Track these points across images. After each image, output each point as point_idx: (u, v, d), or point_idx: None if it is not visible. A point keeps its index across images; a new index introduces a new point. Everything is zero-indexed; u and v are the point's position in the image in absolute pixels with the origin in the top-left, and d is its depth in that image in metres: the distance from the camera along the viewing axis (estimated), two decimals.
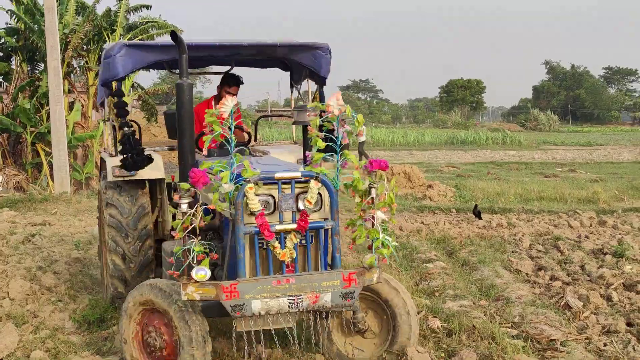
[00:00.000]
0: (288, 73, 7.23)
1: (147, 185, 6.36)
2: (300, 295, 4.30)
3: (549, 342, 5.59)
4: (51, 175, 17.31)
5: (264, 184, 4.36)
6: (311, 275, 4.37)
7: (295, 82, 7.16)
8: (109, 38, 18.83)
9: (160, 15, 21.61)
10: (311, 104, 4.70)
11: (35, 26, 18.84)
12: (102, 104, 6.71)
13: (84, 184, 17.83)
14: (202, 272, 4.17)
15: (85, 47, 19.28)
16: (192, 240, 4.19)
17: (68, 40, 18.45)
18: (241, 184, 4.24)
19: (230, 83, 6.70)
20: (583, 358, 5.24)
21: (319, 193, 4.49)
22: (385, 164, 4.52)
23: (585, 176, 20.19)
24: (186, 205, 4.21)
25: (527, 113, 73.41)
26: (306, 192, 4.46)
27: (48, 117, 17.70)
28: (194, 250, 4.17)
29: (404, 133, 47.59)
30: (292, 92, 7.31)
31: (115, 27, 19.21)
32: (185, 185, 4.23)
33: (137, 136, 6.09)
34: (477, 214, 11.79)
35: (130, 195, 6.04)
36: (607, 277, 7.42)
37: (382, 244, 4.56)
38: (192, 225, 4.17)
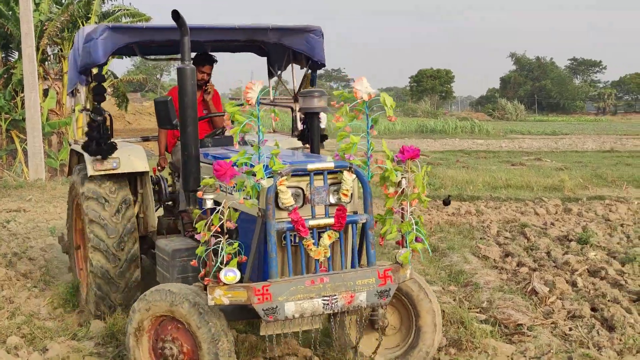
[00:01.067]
0: (259, 60, 7.03)
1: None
2: (335, 295, 3.99)
3: (516, 327, 5.72)
4: (26, 162, 17.18)
5: (292, 175, 4.04)
6: (346, 274, 4.05)
7: (274, 67, 6.89)
8: (83, 25, 18.62)
9: (130, 2, 21.39)
10: (337, 92, 4.26)
11: (10, 13, 18.55)
12: (73, 93, 6.39)
13: (58, 170, 17.66)
14: (231, 274, 3.82)
15: (59, 34, 19.06)
16: (219, 240, 3.83)
17: (44, 28, 18.25)
18: (270, 177, 3.94)
19: (203, 62, 6.34)
20: (549, 342, 5.37)
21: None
22: (417, 152, 4.23)
23: (550, 165, 20.48)
24: (211, 202, 3.87)
25: (495, 103, 73.92)
26: (336, 184, 4.17)
27: (23, 104, 17.56)
28: (223, 251, 3.81)
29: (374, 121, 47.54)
30: (269, 78, 7.10)
31: (90, 15, 19.01)
32: (209, 181, 3.90)
33: (107, 125, 5.73)
34: (446, 202, 11.89)
35: (111, 190, 5.71)
36: (572, 263, 7.59)
37: (415, 238, 4.28)
38: (220, 223, 3.82)
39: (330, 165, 4.11)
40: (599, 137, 36.99)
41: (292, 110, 6.69)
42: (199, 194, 3.90)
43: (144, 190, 6.08)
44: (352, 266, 4.25)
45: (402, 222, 4.28)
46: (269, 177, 3.91)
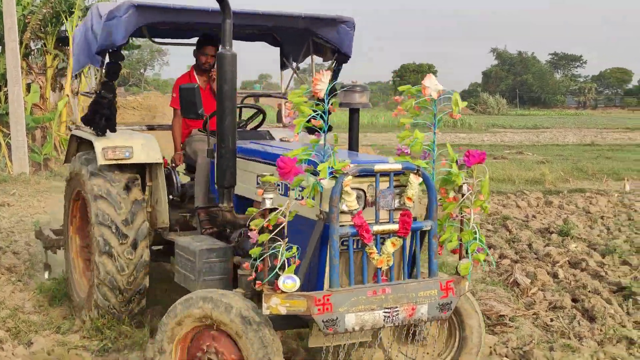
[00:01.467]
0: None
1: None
2: (397, 307, 3.67)
3: (498, 318, 5.78)
4: (9, 157, 17.06)
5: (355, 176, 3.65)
6: (408, 285, 3.73)
7: (288, 58, 6.44)
8: (66, 20, 18.53)
9: None
10: (403, 87, 3.92)
11: None
12: (77, 76, 6.11)
13: (42, 165, 17.55)
14: (290, 281, 3.48)
15: (43, 29, 18.92)
16: (279, 243, 3.47)
17: (27, 21, 18.10)
18: (333, 178, 3.58)
19: (206, 43, 5.85)
20: (531, 333, 5.43)
21: None
22: (484, 156, 3.93)
23: (532, 158, 20.66)
24: (270, 201, 3.52)
25: (477, 97, 74.37)
26: (397, 186, 3.81)
27: (6, 99, 17.40)
28: (282, 256, 3.47)
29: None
30: (282, 69, 6.67)
31: (73, 10, 18.86)
32: (271, 178, 3.54)
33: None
34: None
35: (123, 188, 5.23)
36: (553, 255, 7.68)
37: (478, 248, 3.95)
38: (282, 225, 3.47)
39: (397, 166, 3.76)
40: (579, 131, 37.35)
41: None
42: (259, 192, 3.54)
43: (155, 183, 5.59)
44: (409, 276, 3.89)
45: (460, 229, 3.96)
46: (331, 178, 3.57)
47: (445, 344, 4.50)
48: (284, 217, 3.47)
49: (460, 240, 3.94)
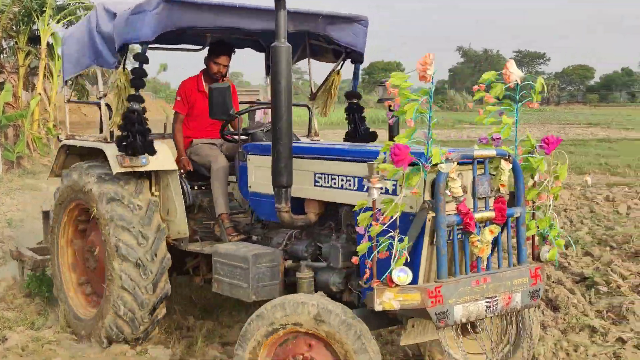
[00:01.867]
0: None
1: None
2: (496, 296, 3.57)
3: None
4: None
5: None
6: (504, 273, 3.64)
7: None
8: (38, 19, 18.30)
9: None
10: (486, 75, 3.88)
11: None
12: (66, 82, 5.84)
13: (15, 163, 17.38)
14: (404, 274, 3.33)
15: (14, 28, 18.65)
16: (390, 235, 3.30)
17: None
18: (449, 162, 3.43)
19: (219, 52, 5.53)
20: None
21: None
22: (560, 141, 3.92)
23: None
24: (378, 191, 3.34)
25: (444, 94, 75.05)
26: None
27: None
28: (395, 248, 3.29)
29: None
30: (267, 75, 6.23)
31: (45, 9, 18.61)
32: (388, 166, 3.33)
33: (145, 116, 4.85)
34: None
35: (146, 217, 4.85)
36: None
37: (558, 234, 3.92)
38: (396, 216, 3.29)
39: (492, 152, 3.67)
40: (543, 126, 37.82)
41: (309, 109, 6.10)
42: (374, 180, 3.32)
43: (167, 192, 5.17)
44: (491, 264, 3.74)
45: (533, 215, 3.90)
46: (447, 162, 3.39)
47: (494, 338, 4.30)
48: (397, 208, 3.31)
49: (538, 227, 3.89)
